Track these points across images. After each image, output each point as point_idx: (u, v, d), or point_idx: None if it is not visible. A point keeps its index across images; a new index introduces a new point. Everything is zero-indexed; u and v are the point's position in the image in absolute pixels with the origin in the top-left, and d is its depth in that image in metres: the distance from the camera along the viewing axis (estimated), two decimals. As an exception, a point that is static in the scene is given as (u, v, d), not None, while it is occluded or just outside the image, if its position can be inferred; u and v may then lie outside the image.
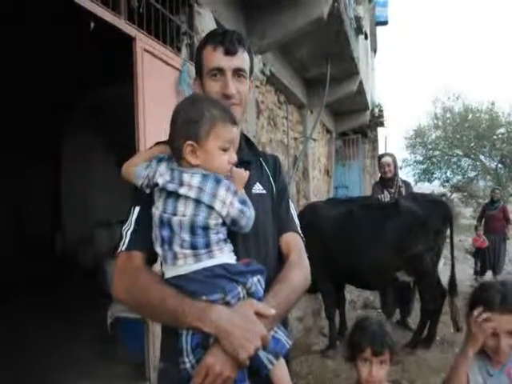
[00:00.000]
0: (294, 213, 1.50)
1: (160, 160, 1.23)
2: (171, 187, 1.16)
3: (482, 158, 20.69)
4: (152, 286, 1.14)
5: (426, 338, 4.53)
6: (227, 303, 1.09)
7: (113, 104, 6.33)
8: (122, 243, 1.26)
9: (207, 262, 1.13)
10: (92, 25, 2.74)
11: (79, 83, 6.49)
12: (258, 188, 1.38)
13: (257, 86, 5.45)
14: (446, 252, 5.92)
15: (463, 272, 8.70)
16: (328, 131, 10.75)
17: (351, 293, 6.22)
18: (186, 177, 1.15)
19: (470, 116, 19.99)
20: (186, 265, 1.14)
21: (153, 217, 1.20)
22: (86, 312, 4.84)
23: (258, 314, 1.09)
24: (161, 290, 1.12)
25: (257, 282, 1.17)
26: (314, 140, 8.56)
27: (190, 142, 1.15)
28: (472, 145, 20.16)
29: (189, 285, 1.11)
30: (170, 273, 1.17)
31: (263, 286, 1.19)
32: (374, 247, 4.32)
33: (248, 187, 1.29)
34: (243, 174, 1.24)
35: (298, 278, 1.29)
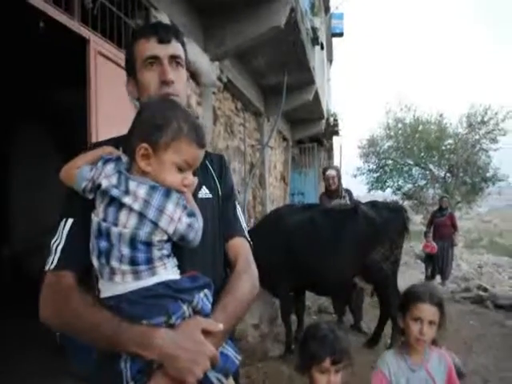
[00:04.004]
0: (241, 215, 1.41)
1: (107, 161, 1.11)
2: (115, 193, 1.03)
3: (431, 167, 21.46)
4: (84, 310, 1.02)
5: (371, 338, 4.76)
6: (171, 326, 1.00)
7: (65, 107, 6.14)
8: (50, 260, 1.11)
9: (148, 280, 1.02)
10: (41, 24, 2.64)
11: (30, 85, 6.25)
12: (203, 192, 1.29)
13: (214, 93, 5.44)
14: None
15: (414, 277, 8.96)
16: (285, 139, 10.88)
17: (306, 298, 6.27)
18: (132, 185, 1.04)
19: (421, 127, 20.76)
20: (124, 282, 1.02)
21: (91, 224, 1.08)
22: (34, 324, 4.62)
23: (206, 332, 1.01)
24: (94, 313, 1.01)
25: (203, 297, 1.07)
26: (271, 148, 8.63)
27: (144, 145, 1.03)
28: (422, 155, 20.90)
29: (128, 307, 0.99)
30: (106, 291, 1.05)
31: (211, 300, 1.10)
32: (334, 253, 4.33)
33: (194, 192, 1.19)
34: (192, 180, 1.13)
35: (247, 288, 1.22)
